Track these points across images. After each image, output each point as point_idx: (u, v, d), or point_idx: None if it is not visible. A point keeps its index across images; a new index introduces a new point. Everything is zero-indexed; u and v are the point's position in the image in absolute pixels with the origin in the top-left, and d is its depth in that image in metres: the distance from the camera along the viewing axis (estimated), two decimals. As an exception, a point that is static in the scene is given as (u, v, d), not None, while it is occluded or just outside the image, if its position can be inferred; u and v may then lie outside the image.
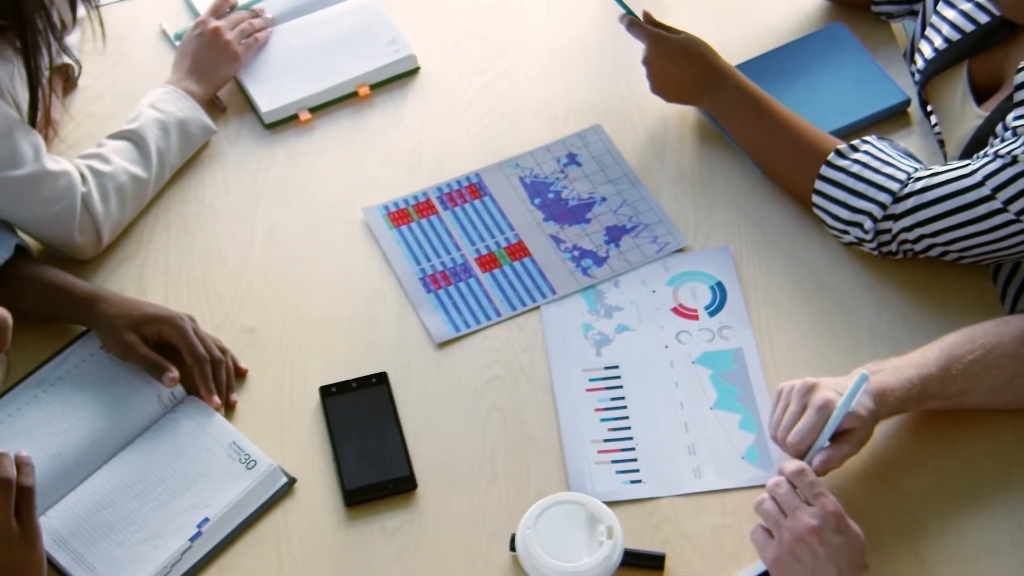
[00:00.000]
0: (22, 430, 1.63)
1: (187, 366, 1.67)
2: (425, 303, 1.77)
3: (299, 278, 1.82)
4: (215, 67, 2.01)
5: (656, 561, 1.51)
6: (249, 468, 1.60)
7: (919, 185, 1.68)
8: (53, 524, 1.55)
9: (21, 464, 1.37)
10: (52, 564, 1.52)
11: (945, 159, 1.85)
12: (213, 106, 2.02)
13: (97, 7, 1.93)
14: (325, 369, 1.72)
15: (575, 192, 1.88)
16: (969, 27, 1.83)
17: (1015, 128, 1.65)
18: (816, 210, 1.78)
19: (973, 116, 1.78)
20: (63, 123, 2.01)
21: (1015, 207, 1.61)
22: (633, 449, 1.62)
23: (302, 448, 1.65)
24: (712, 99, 1.88)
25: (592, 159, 1.92)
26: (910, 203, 1.68)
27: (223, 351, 1.71)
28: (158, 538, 1.55)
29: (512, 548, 1.53)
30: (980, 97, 1.80)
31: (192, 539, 1.55)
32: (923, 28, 1.94)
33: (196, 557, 1.55)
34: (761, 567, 1.47)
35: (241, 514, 1.58)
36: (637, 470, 1.60)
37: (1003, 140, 1.67)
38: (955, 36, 1.84)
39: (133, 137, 1.88)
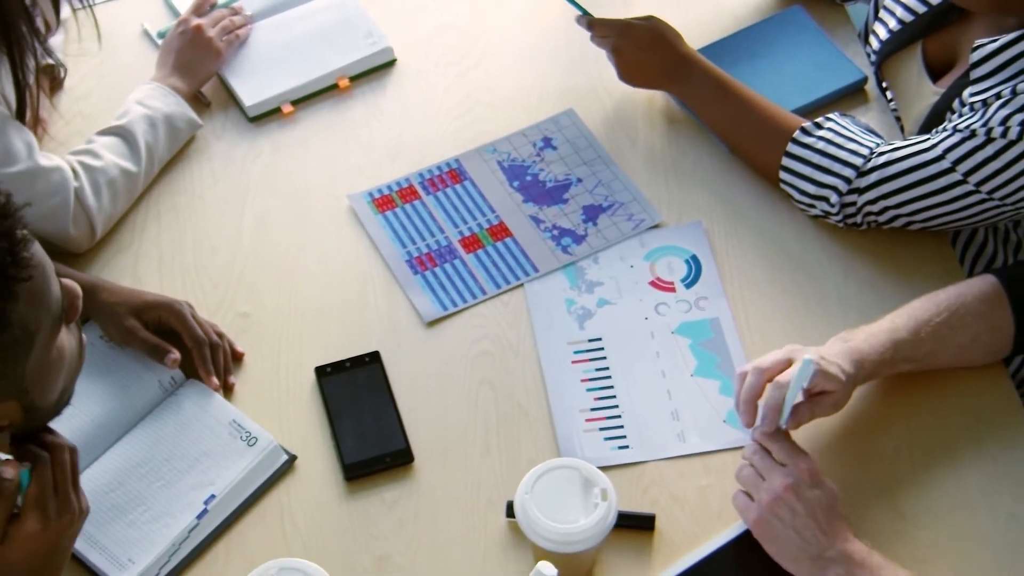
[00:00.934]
0: (28, 419, 1.63)
1: (186, 350, 1.67)
2: (413, 284, 1.78)
3: (290, 264, 1.82)
4: (198, 63, 2.01)
5: (647, 522, 1.53)
6: (250, 445, 1.61)
7: (882, 160, 1.71)
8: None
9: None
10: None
11: (903, 134, 1.88)
12: (198, 101, 2.02)
13: (91, 6, 1.92)
14: (319, 350, 1.72)
15: (552, 174, 1.90)
16: (922, 8, 1.85)
17: (971, 103, 1.68)
18: (783, 186, 1.80)
19: (929, 93, 1.81)
20: (51, 122, 2.00)
21: (974, 178, 1.63)
22: (619, 416, 1.63)
23: (301, 427, 1.65)
24: (680, 84, 1.89)
25: (566, 142, 1.93)
26: (874, 177, 1.71)
27: (220, 335, 1.71)
28: (167, 516, 1.55)
29: (508, 515, 1.54)
30: (935, 75, 1.82)
31: (199, 516, 1.55)
32: (876, 11, 1.96)
33: (203, 534, 1.55)
34: (744, 526, 1.49)
35: (245, 491, 1.58)
36: (624, 436, 1.61)
37: (960, 115, 1.69)
38: (909, 18, 1.87)
39: (122, 133, 1.87)
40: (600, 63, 1.99)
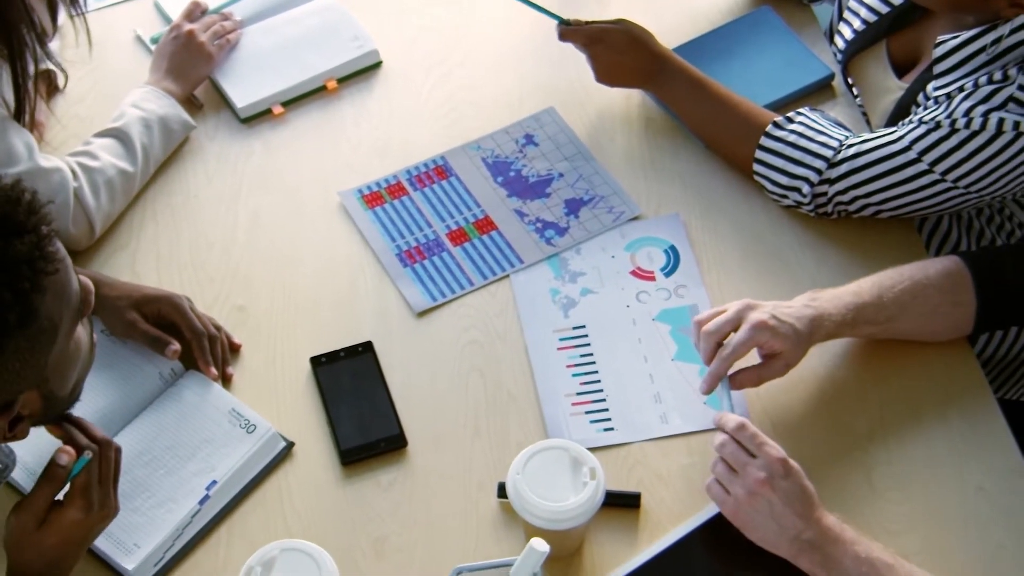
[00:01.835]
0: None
1: (186, 342, 1.68)
2: (403, 276, 1.79)
3: (284, 259, 1.83)
4: (191, 67, 2.01)
5: (633, 500, 1.54)
6: (249, 432, 1.61)
7: (851, 151, 1.72)
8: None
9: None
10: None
11: (870, 127, 1.90)
12: (191, 104, 2.02)
13: (83, 14, 1.92)
14: (314, 341, 1.73)
15: (534, 169, 1.91)
16: (885, 9, 1.87)
17: (935, 97, 1.70)
18: (757, 178, 1.82)
19: (895, 88, 1.82)
20: (48, 125, 2.00)
21: (939, 167, 1.65)
22: (604, 400, 1.64)
23: (298, 414, 1.66)
24: (656, 82, 1.90)
25: (548, 139, 1.94)
26: (843, 168, 1.72)
27: (217, 328, 1.71)
28: (170, 502, 1.55)
29: (499, 495, 1.55)
30: (899, 71, 1.84)
31: (201, 502, 1.56)
32: (840, 11, 1.98)
33: (206, 518, 1.56)
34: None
35: (245, 477, 1.59)
36: (609, 419, 1.63)
37: (925, 108, 1.71)
38: (872, 18, 1.89)
39: (118, 134, 1.87)
40: (579, 63, 2.00)
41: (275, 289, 1.79)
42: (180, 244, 1.85)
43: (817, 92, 1.96)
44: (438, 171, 1.91)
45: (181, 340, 1.67)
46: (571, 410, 1.63)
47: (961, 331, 1.64)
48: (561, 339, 1.71)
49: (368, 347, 1.71)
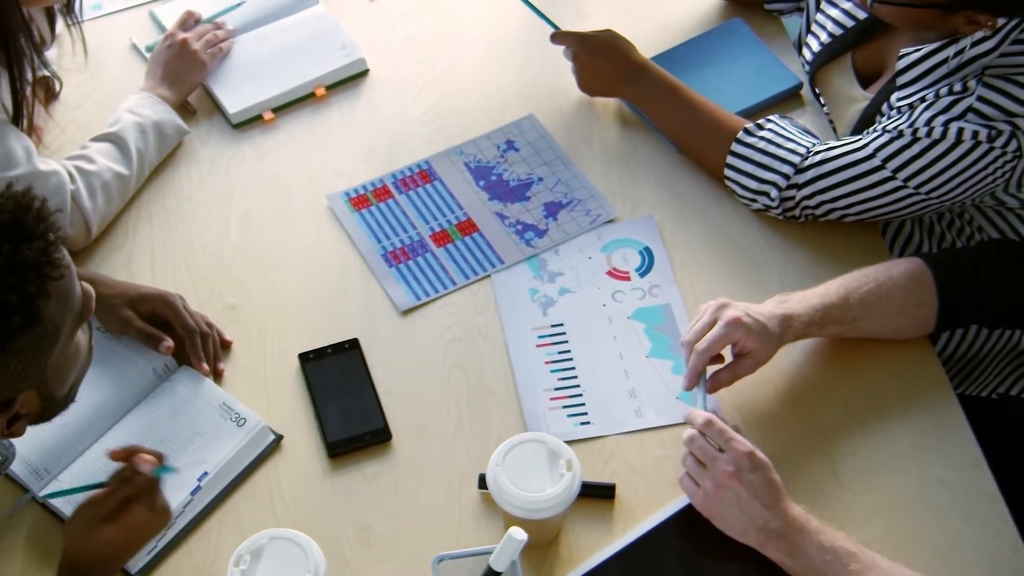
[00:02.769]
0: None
1: (179, 338, 1.68)
2: (388, 276, 1.79)
3: (274, 259, 1.83)
4: (185, 74, 2.01)
5: (608, 491, 1.55)
6: (240, 425, 1.62)
7: (818, 158, 1.74)
8: (65, 487, 1.55)
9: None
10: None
11: (836, 135, 1.91)
12: (184, 110, 2.02)
13: (79, 23, 1.92)
14: (302, 338, 1.73)
15: (515, 174, 1.92)
16: (850, 23, 1.88)
17: (899, 107, 1.71)
18: (728, 182, 1.83)
19: (860, 98, 1.84)
20: (46, 130, 2.00)
21: (902, 174, 1.67)
22: (581, 395, 1.65)
23: (286, 409, 1.66)
24: (634, 89, 1.91)
25: (528, 144, 1.95)
26: (810, 174, 1.74)
27: (209, 325, 1.72)
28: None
29: (480, 486, 1.56)
30: (864, 82, 1.86)
31: (193, 492, 1.56)
32: (808, 24, 1.99)
33: (198, 508, 1.56)
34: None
35: (236, 468, 1.59)
36: (586, 413, 1.63)
37: (889, 117, 1.73)
38: (839, 31, 1.90)
39: (114, 139, 1.88)
40: (559, 72, 2.02)
41: (265, 288, 1.80)
42: (174, 244, 1.85)
43: (786, 100, 1.98)
44: (422, 175, 1.92)
45: (174, 337, 1.68)
46: (549, 404, 1.64)
47: (923, 330, 1.66)
48: (540, 336, 1.72)
49: (354, 344, 1.71)
